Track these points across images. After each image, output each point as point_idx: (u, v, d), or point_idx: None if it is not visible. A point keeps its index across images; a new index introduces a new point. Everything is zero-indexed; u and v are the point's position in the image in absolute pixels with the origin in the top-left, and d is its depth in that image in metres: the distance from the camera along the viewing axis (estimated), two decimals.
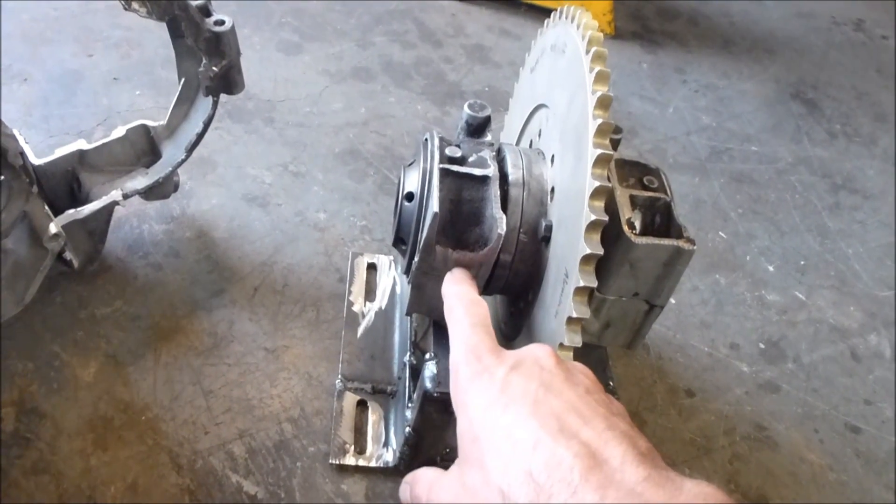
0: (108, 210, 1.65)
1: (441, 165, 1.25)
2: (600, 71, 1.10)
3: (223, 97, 1.67)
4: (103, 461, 1.47)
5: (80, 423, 1.52)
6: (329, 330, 1.77)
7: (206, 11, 1.60)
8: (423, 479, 0.98)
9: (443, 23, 3.00)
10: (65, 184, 1.74)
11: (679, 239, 1.18)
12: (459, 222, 1.25)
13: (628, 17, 3.42)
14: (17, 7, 2.55)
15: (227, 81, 1.64)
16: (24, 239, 1.50)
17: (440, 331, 1.40)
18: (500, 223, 1.19)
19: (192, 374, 1.63)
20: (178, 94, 1.74)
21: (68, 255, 1.60)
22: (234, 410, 1.58)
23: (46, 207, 1.48)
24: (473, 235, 1.25)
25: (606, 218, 1.03)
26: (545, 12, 3.18)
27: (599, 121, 1.06)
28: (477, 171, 1.26)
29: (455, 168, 1.26)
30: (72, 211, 1.59)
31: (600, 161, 1.04)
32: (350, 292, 1.83)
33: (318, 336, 1.75)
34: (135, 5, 1.41)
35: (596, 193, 1.03)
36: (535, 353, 0.92)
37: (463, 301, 1.10)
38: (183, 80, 1.72)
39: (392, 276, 1.89)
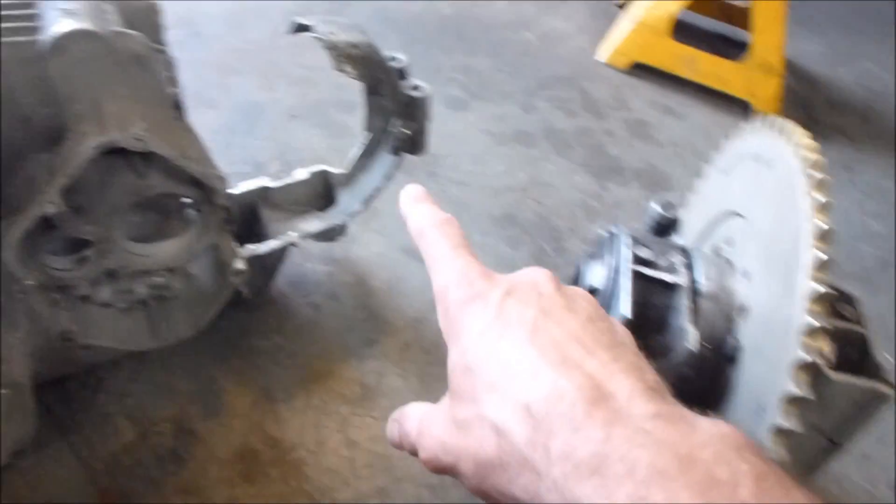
0: (285, 249, 1.72)
1: (633, 267, 1.23)
2: (823, 201, 1.06)
3: None
4: (248, 493, 1.51)
5: (231, 451, 1.57)
6: None
7: (404, 75, 1.66)
8: (412, 415, 0.84)
9: (607, 94, 3.00)
10: (244, 217, 1.83)
11: (877, 380, 1.12)
12: (643, 327, 1.23)
13: (796, 105, 3.32)
14: (211, 37, 2.72)
15: (414, 143, 1.69)
16: (208, 268, 1.58)
17: None
18: (691, 339, 1.16)
19: (340, 422, 1.66)
20: (362, 147, 1.80)
21: (242, 287, 1.67)
22: (375, 466, 1.60)
23: (235, 244, 1.55)
24: (656, 343, 1.22)
25: (822, 362, 0.99)
26: (712, 93, 3.18)
27: (821, 256, 1.02)
28: (668, 278, 1.24)
29: (645, 271, 1.24)
30: (253, 246, 1.66)
31: (818, 298, 1.00)
32: None
33: None
34: (346, 67, 1.47)
35: (811, 333, 0.99)
36: (532, 277, 0.80)
37: (434, 221, 0.89)
38: (370, 134, 1.79)
39: None
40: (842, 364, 1.20)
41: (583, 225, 2.34)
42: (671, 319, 1.22)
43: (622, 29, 3.20)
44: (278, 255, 1.75)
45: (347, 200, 1.85)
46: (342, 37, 1.49)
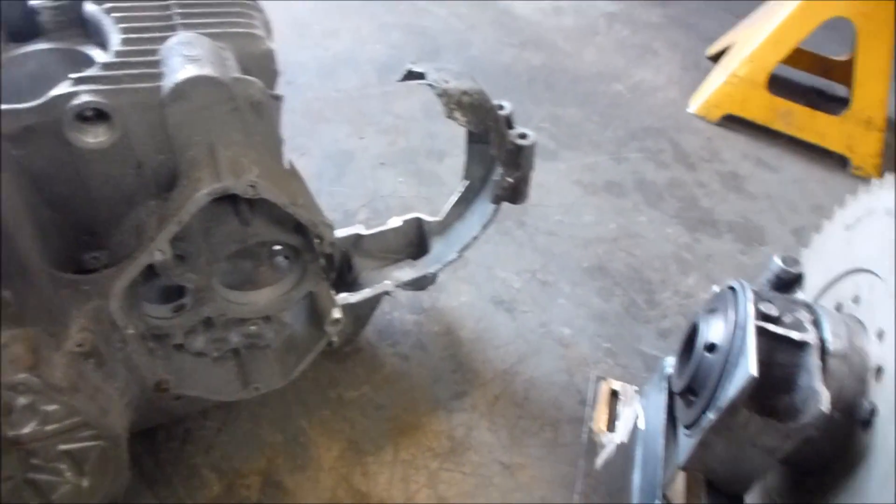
0: (377, 298, 1.69)
1: (757, 323, 1.15)
2: None
3: None
4: None
5: None
6: (566, 455, 1.69)
7: (509, 123, 1.63)
8: None
9: (697, 145, 2.93)
10: (340, 265, 1.81)
11: None
12: (767, 386, 1.15)
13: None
14: (303, 85, 2.76)
15: (516, 192, 1.65)
16: (303, 317, 1.56)
17: (714, 494, 1.29)
18: (822, 400, 1.08)
19: (428, 477, 1.60)
20: (458, 194, 1.77)
21: (335, 336, 1.65)
22: None
23: (333, 292, 1.53)
24: (782, 403, 1.14)
25: None
26: (806, 146, 3.07)
27: None
28: (795, 335, 1.16)
29: (771, 327, 1.16)
30: (345, 295, 1.64)
31: None
32: (591, 418, 1.75)
33: (554, 459, 1.68)
34: (457, 114, 1.45)
35: None
36: None
37: None
38: (467, 182, 1.76)
39: (635, 409, 1.79)
40: None
41: (675, 277, 2.25)
42: (799, 379, 1.13)
43: (716, 81, 3.13)
44: (371, 304, 1.72)
45: (442, 249, 1.82)
46: (454, 84, 1.48)
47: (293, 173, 1.41)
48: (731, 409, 1.12)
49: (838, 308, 1.37)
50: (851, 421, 1.14)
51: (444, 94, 1.43)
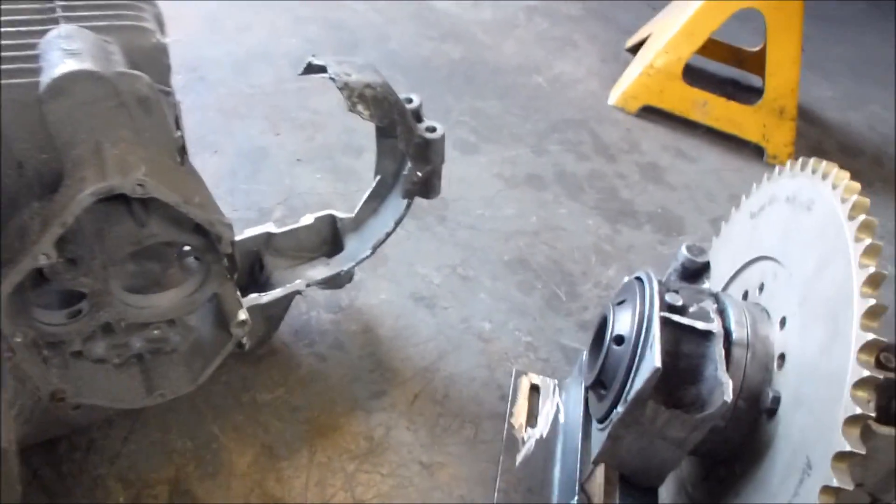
0: (289, 298, 1.64)
1: (662, 314, 1.15)
2: (872, 245, 0.99)
3: None
4: None
5: None
6: (487, 452, 1.67)
7: (418, 116, 1.60)
8: None
9: (617, 137, 2.95)
10: (247, 263, 1.76)
11: None
12: (674, 377, 1.15)
13: (808, 150, 3.26)
14: (216, 81, 2.68)
15: (427, 186, 1.63)
16: (209, 319, 1.50)
17: (627, 487, 1.28)
18: (726, 389, 1.08)
19: (345, 480, 1.56)
20: (370, 190, 1.74)
21: (244, 338, 1.59)
22: None
23: (238, 293, 1.48)
24: (689, 394, 1.14)
25: (873, 414, 0.90)
26: (724, 136, 3.12)
27: (871, 301, 0.94)
28: (700, 325, 1.16)
29: (676, 318, 1.16)
30: (255, 296, 1.58)
31: (869, 347, 0.92)
32: (511, 414, 1.74)
33: (474, 456, 1.66)
34: (359, 108, 1.42)
35: (862, 383, 0.91)
36: None
37: None
38: (379, 177, 1.72)
39: (556, 403, 1.79)
40: (885, 416, 1.11)
41: (596, 269, 2.26)
42: (705, 369, 1.13)
43: (633, 72, 3.16)
44: (283, 305, 1.67)
45: (356, 246, 1.78)
46: (356, 77, 1.44)
47: (189, 171, 1.35)
48: (637, 402, 1.12)
49: (745, 296, 1.38)
50: (757, 410, 1.15)
51: (345, 87, 1.39)
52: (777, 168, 1.38)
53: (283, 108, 2.64)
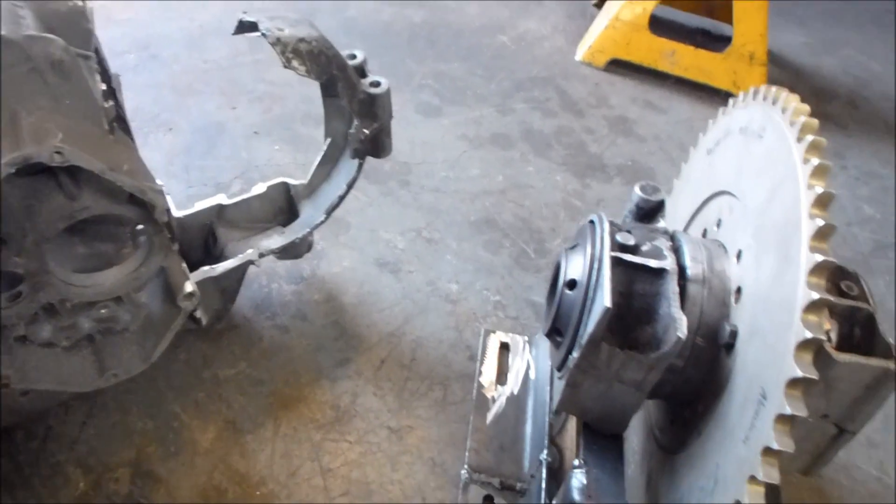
0: (243, 269, 1.60)
1: (612, 253, 1.11)
2: (819, 164, 0.95)
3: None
4: None
5: (194, 492, 1.44)
6: (456, 413, 1.64)
7: (362, 72, 1.55)
8: None
9: (585, 92, 2.90)
10: (200, 238, 1.71)
11: (888, 359, 1.00)
12: (629, 318, 1.11)
13: None
14: (169, 58, 2.61)
15: (376, 144, 1.57)
16: (158, 295, 1.45)
17: (592, 436, 1.25)
18: (680, 325, 1.04)
19: (312, 450, 1.52)
20: (322, 153, 1.69)
21: (198, 312, 1.55)
22: (352, 494, 1.46)
23: (184, 265, 1.43)
24: (644, 335, 1.10)
25: (824, 337, 0.87)
26: (694, 86, 3.07)
27: (819, 222, 0.90)
28: (652, 263, 1.12)
29: (628, 258, 1.12)
30: (206, 268, 1.54)
31: (819, 269, 0.88)
32: (480, 373, 1.70)
33: (444, 418, 1.63)
34: (294, 63, 1.36)
35: (813, 307, 0.87)
36: None
37: None
38: (329, 140, 1.67)
39: (526, 359, 1.75)
40: (847, 344, 1.08)
41: (565, 224, 2.22)
42: (658, 307, 1.09)
43: (599, 26, 3.10)
44: (237, 276, 1.62)
45: (311, 212, 1.73)
46: (289, 31, 1.38)
47: (119, 140, 1.29)
48: (591, 346, 1.08)
49: (704, 234, 1.34)
50: (715, 346, 1.11)
51: (277, 43, 1.34)
52: (731, 101, 1.33)
53: (239, 82, 2.58)
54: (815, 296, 0.87)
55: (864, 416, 1.05)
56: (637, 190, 1.26)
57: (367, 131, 1.52)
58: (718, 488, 0.98)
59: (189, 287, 1.39)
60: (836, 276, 1.11)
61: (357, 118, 1.52)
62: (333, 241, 1.99)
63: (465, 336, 1.81)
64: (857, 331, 1.08)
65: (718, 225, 1.27)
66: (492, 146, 2.49)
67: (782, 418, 0.88)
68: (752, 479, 0.91)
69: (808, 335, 0.87)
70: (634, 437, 1.44)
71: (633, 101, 2.93)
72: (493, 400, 1.66)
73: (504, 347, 1.78)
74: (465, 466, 1.51)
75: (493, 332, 1.80)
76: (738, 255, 1.14)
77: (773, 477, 0.90)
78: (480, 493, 1.47)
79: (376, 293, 1.87)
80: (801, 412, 0.87)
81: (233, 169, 2.19)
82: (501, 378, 1.71)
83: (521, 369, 1.74)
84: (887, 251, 2.41)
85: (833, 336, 1.07)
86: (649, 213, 1.27)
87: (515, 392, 1.68)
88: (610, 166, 2.51)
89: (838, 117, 3.16)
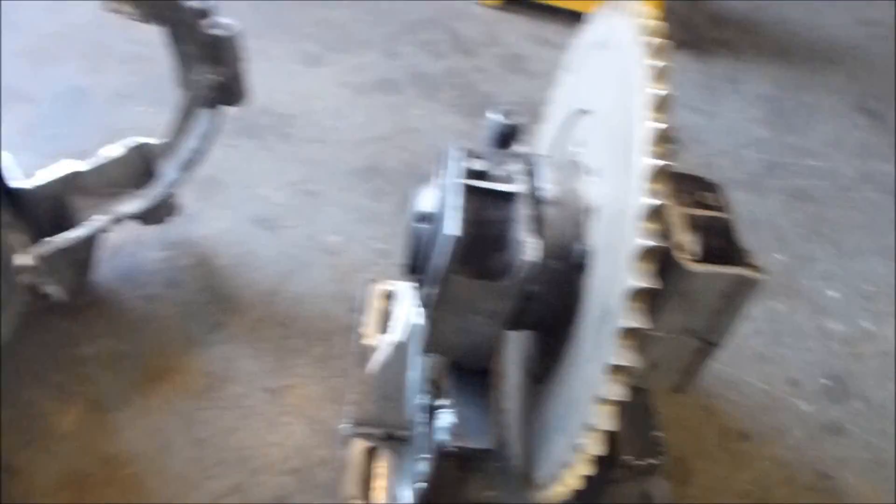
0: (94, 239, 1.48)
1: (460, 181, 1.04)
2: (656, 65, 0.89)
3: (238, 112, 1.50)
4: None
5: (56, 480, 1.34)
6: (339, 367, 1.57)
7: (203, 14, 1.43)
8: None
9: (477, 32, 2.81)
10: (49, 209, 1.57)
11: (743, 266, 0.96)
12: (482, 247, 1.04)
13: (678, 25, 3.18)
14: (24, 24, 2.42)
15: (229, 92, 1.47)
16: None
17: (459, 374, 1.19)
18: (525, 248, 0.98)
19: (183, 421, 1.44)
20: (177, 107, 1.57)
21: (49, 288, 1.43)
22: (227, 461, 1.39)
23: (23, 237, 1.31)
24: (498, 263, 1.04)
25: (660, 244, 0.81)
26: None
27: (653, 124, 0.84)
28: (502, 187, 1.05)
29: (476, 183, 1.05)
30: (47, 239, 1.41)
31: (659, 175, 0.82)
32: (360, 324, 1.63)
33: (325, 374, 1.56)
34: (120, 6, 1.24)
35: (653, 214, 0.82)
36: None
37: None
38: (183, 91, 1.55)
39: (411, 305, 1.68)
40: (707, 255, 1.03)
41: None
42: (511, 233, 1.03)
43: None
44: (88, 246, 1.51)
45: (172, 172, 1.61)
46: None
47: None
48: (444, 278, 1.01)
49: (572, 156, 1.28)
50: (570, 268, 1.05)
51: None
52: (589, 16, 1.27)
53: (104, 45, 2.41)
54: (653, 202, 0.81)
55: (725, 326, 1.01)
56: (491, 115, 1.19)
57: (213, 77, 1.41)
58: (571, 412, 0.94)
59: (20, 260, 1.27)
60: (694, 188, 1.07)
61: (203, 64, 1.41)
62: (207, 202, 1.88)
63: (348, 288, 1.73)
64: (717, 242, 1.04)
65: (583, 145, 1.21)
66: (377, 92, 2.39)
67: (626, 332, 0.83)
68: (601, 398, 0.86)
69: (649, 244, 0.81)
70: (513, 376, 1.39)
71: (526, 38, 2.85)
72: (375, 350, 1.59)
73: (389, 296, 1.72)
74: (347, 420, 1.44)
75: (376, 280, 1.73)
76: (592, 173, 1.09)
77: (619, 394, 0.85)
78: (364, 447, 1.41)
79: (252, 252, 1.77)
80: (645, 324, 0.82)
81: (97, 136, 2.02)
82: (384, 327, 1.65)
83: (406, 316, 1.67)
84: (778, 171, 2.42)
85: (698, 249, 1.03)
86: (506, 137, 1.20)
87: (400, 340, 1.61)
88: (501, 105, 2.44)
89: (733, 43, 3.15)
